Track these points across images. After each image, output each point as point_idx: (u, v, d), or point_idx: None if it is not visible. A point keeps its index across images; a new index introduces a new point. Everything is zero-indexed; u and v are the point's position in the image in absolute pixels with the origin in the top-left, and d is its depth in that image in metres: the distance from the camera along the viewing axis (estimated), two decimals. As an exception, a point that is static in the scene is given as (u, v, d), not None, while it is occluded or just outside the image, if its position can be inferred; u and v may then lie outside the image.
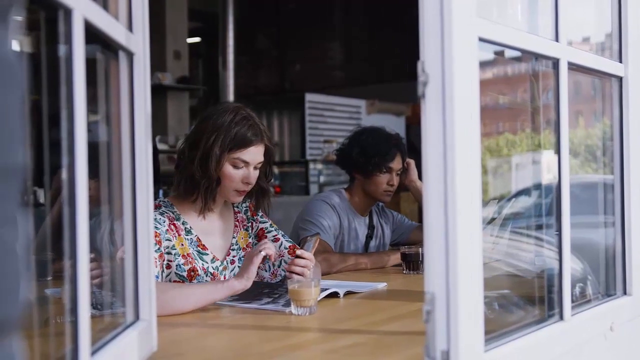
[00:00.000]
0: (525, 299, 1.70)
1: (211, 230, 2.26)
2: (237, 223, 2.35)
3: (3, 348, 0.56)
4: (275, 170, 7.78)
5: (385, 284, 2.35)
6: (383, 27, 9.26)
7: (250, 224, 2.38)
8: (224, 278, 2.22)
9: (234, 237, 2.32)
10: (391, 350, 1.50)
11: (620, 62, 1.79)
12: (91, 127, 1.08)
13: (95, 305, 1.31)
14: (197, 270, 2.15)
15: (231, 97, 8.67)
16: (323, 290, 2.03)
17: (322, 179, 7.53)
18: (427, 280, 1.17)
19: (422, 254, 2.62)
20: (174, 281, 2.12)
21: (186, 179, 2.18)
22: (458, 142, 1.15)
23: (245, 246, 2.33)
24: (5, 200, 0.55)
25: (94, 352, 1.07)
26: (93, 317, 1.07)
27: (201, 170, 2.14)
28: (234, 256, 2.29)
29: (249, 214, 2.39)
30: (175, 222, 2.18)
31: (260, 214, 2.40)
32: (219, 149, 2.13)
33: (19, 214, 0.57)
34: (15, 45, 0.61)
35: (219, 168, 2.15)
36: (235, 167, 2.17)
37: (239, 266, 2.27)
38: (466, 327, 1.16)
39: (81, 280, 1.00)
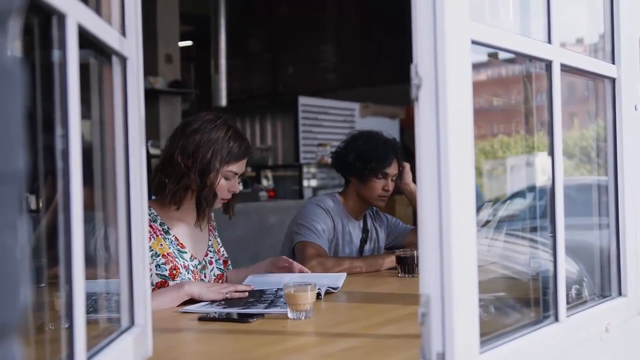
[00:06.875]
0: (521, 301, 1.70)
1: (189, 233, 2.34)
2: (210, 228, 2.46)
3: (4, 351, 0.57)
4: (269, 174, 7.77)
5: (344, 274, 2.40)
6: (376, 29, 9.28)
7: (216, 232, 2.50)
8: (204, 277, 2.33)
9: (209, 240, 2.42)
10: (387, 353, 1.50)
11: (613, 63, 1.80)
12: (84, 132, 1.07)
13: (88, 310, 1.31)
14: (179, 268, 2.23)
15: (224, 101, 8.66)
16: None
17: (316, 182, 7.51)
18: (422, 283, 1.17)
19: (417, 257, 2.62)
20: (157, 283, 2.15)
21: (181, 189, 2.23)
22: (452, 145, 1.15)
23: (216, 250, 2.44)
24: (5, 205, 0.55)
25: (89, 358, 1.07)
26: (87, 322, 1.06)
27: (200, 182, 2.23)
28: (211, 257, 2.40)
29: (215, 224, 2.50)
30: (152, 223, 2.24)
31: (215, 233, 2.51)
32: (219, 163, 2.23)
33: (19, 219, 0.58)
34: (14, 51, 0.61)
35: (216, 181, 2.24)
36: (227, 178, 2.28)
37: (217, 267, 2.40)
38: (461, 328, 1.16)
39: (76, 286, 1.00)
